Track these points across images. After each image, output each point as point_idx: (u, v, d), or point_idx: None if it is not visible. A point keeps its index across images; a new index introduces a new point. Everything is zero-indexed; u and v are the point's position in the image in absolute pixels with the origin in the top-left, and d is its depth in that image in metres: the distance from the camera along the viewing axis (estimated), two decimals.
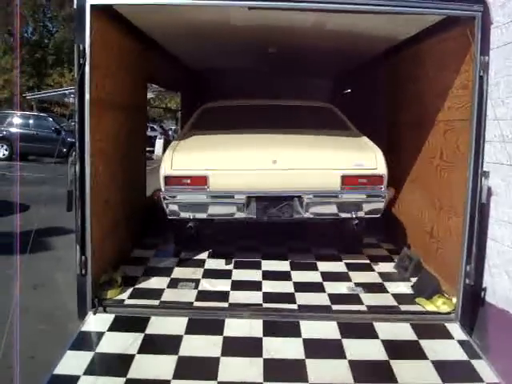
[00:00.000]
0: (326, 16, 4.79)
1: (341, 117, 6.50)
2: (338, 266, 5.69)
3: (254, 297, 4.80)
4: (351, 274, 5.45)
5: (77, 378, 3.43)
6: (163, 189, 5.08)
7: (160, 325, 4.24)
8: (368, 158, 5.16)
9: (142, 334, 4.04)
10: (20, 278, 4.62)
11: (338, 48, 6.65)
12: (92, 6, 4.15)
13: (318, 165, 5.13)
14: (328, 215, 5.25)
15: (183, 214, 5.14)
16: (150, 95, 16.72)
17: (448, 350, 3.95)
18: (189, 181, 5.06)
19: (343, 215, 5.18)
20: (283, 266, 5.65)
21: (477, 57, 4.13)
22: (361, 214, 5.15)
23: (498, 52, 4.24)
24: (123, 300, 4.67)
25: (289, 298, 4.79)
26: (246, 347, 3.91)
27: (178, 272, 5.42)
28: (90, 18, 4.16)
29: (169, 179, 5.07)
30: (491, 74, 4.21)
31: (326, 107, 6.83)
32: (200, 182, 5.04)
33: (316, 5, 4.23)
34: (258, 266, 5.64)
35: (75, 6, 4.18)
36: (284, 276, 5.34)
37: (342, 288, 5.05)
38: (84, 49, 4.16)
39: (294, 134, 5.63)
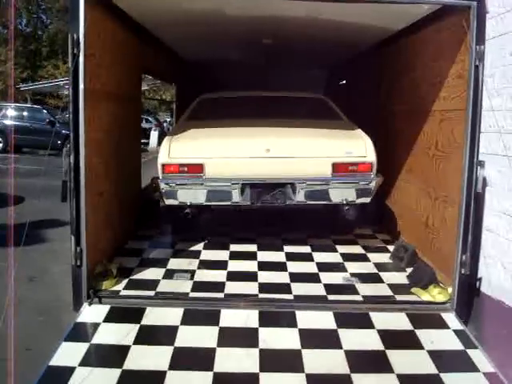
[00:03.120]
0: (319, 5, 4.76)
1: (333, 107, 6.65)
2: (334, 257, 5.70)
3: (250, 287, 4.79)
4: (347, 264, 5.46)
5: (72, 369, 3.42)
6: (161, 176, 5.23)
7: (156, 316, 4.23)
8: (358, 146, 5.33)
9: (138, 325, 4.03)
10: (15, 270, 4.61)
11: (332, 38, 6.64)
12: None
13: (309, 153, 5.29)
14: (320, 201, 5.40)
15: (180, 201, 5.29)
16: (144, 87, 16.67)
17: (444, 339, 3.96)
18: (186, 168, 5.19)
19: (334, 201, 5.35)
20: (279, 256, 5.66)
21: (472, 46, 4.12)
22: (351, 199, 5.33)
23: (494, 43, 4.23)
24: (119, 291, 4.66)
25: (285, 288, 4.79)
26: (242, 338, 3.90)
27: (174, 263, 5.41)
28: (84, 7, 4.12)
29: (166, 167, 5.21)
30: (487, 64, 4.20)
31: (319, 98, 7.00)
32: (196, 169, 5.18)
33: None
34: (253, 256, 5.64)
35: None
36: (280, 266, 5.35)
37: (337, 278, 5.06)
38: (78, 39, 4.13)
39: (288, 123, 5.74)
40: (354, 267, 5.36)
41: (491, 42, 4.22)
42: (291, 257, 5.64)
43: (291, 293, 4.69)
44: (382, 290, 4.83)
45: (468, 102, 4.20)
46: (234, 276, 5.08)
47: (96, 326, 4.03)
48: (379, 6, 4.55)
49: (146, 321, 4.13)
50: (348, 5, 4.56)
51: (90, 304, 4.34)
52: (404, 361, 3.62)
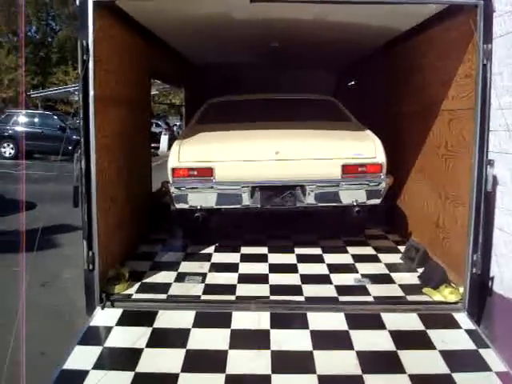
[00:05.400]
0: (328, 7, 4.78)
1: (341, 109, 6.65)
2: (345, 258, 5.69)
3: (261, 289, 4.80)
4: (358, 265, 5.46)
5: (86, 372, 3.45)
6: (171, 180, 5.24)
7: (168, 319, 4.25)
8: (367, 148, 5.32)
9: (150, 328, 4.06)
10: (28, 275, 4.64)
11: (341, 40, 6.64)
12: (95, 3, 4.17)
13: (319, 155, 5.28)
14: (330, 203, 5.39)
15: (190, 204, 5.30)
16: (153, 92, 16.73)
17: (456, 339, 3.94)
18: (195, 172, 5.22)
19: (344, 202, 5.33)
20: (290, 258, 5.66)
21: (480, 45, 4.11)
22: (361, 201, 5.31)
23: (501, 41, 4.23)
24: (131, 294, 4.68)
25: (296, 290, 4.79)
26: (253, 340, 3.91)
27: (185, 266, 5.44)
28: (93, 14, 4.17)
29: (176, 171, 5.24)
30: (495, 63, 4.19)
31: (327, 100, 7.00)
32: (206, 173, 5.20)
33: None
34: (264, 258, 5.65)
35: (78, 3, 4.20)
36: (291, 268, 5.35)
37: (348, 279, 5.06)
38: (87, 45, 4.17)
39: (296, 125, 5.75)
40: (365, 268, 5.35)
41: (499, 40, 4.21)
42: (302, 258, 5.64)
43: (302, 294, 4.69)
44: (393, 290, 4.82)
45: (476, 101, 4.18)
46: (245, 278, 5.09)
47: (109, 329, 4.06)
48: (386, 6, 4.56)
49: (158, 324, 4.15)
50: (355, 6, 4.57)
51: (103, 308, 4.37)
52: (416, 361, 3.62)
